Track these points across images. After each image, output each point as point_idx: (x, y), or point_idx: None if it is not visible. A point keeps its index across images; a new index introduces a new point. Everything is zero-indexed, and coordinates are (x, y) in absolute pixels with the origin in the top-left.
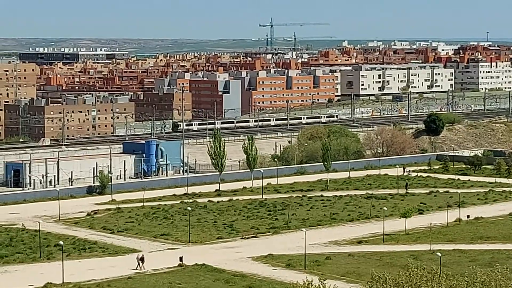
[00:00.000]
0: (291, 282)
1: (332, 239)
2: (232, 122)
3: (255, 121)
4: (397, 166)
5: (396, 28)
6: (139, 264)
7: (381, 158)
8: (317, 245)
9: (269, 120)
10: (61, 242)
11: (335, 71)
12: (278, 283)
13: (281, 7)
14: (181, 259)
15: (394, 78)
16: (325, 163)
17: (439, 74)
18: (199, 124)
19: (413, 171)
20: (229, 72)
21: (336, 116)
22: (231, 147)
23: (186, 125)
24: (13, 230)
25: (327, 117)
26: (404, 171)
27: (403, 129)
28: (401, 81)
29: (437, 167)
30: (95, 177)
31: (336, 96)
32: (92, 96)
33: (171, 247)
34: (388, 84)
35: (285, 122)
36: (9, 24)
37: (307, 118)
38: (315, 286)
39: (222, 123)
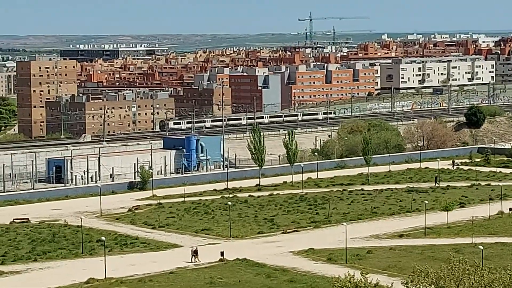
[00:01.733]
0: (332, 276)
1: (373, 233)
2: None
3: (248, 118)
4: (438, 159)
5: (436, 21)
6: (193, 256)
7: (421, 151)
8: (358, 239)
9: (262, 117)
10: (103, 238)
11: (375, 65)
12: (319, 278)
13: (320, 1)
14: (222, 253)
15: (434, 71)
16: (366, 157)
17: (479, 66)
18: (187, 123)
19: (449, 164)
20: (268, 66)
21: (334, 113)
22: (271, 142)
23: (174, 123)
24: (56, 226)
25: (323, 113)
26: (453, 165)
27: (443, 122)
28: (442, 74)
29: (478, 160)
30: (136, 173)
31: (376, 89)
32: (132, 92)
33: (212, 242)
34: (428, 77)
35: (280, 119)
36: (50, 21)
37: (303, 115)
38: (357, 280)
39: (212, 121)
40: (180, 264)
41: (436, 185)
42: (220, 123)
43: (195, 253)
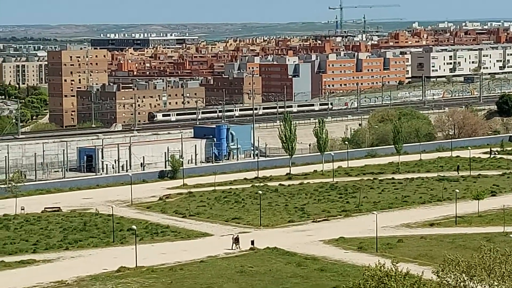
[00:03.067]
0: (363, 265)
1: (404, 221)
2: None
3: (219, 111)
4: (469, 148)
5: (467, 9)
6: (234, 244)
7: (452, 140)
8: (388, 228)
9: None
10: (134, 227)
11: (406, 53)
12: (349, 266)
13: None
14: (252, 242)
15: (465, 59)
16: (396, 145)
17: (511, 54)
18: (177, 115)
19: (485, 152)
20: (298, 55)
21: (331, 104)
22: (301, 131)
23: (163, 115)
24: (87, 215)
25: (320, 105)
26: (490, 153)
27: (475, 111)
28: (473, 62)
29: (510, 148)
30: (167, 162)
31: (406, 78)
32: (163, 81)
33: (242, 231)
34: (459, 65)
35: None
36: (80, 10)
37: (298, 106)
38: (387, 269)
39: (203, 112)
40: (211, 253)
41: (457, 174)
42: (213, 114)
43: (236, 240)
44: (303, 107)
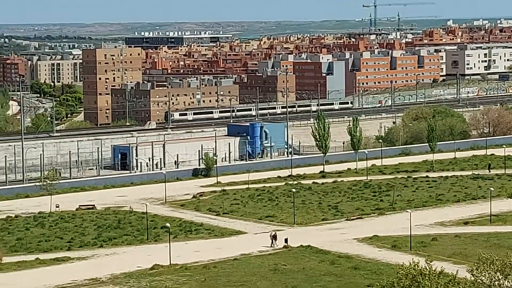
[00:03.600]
0: (397, 263)
1: (438, 220)
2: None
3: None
4: (504, 146)
5: (502, 6)
6: (272, 241)
7: (487, 138)
8: (422, 226)
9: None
10: (167, 224)
11: (440, 51)
12: (383, 265)
13: None
14: (286, 240)
15: (500, 56)
16: (430, 143)
17: None
18: (194, 114)
19: None
20: (332, 53)
21: (351, 103)
22: (335, 129)
23: (180, 114)
24: (121, 213)
25: (340, 104)
26: None
27: (510, 109)
28: (508, 59)
29: None
30: (201, 160)
31: (441, 76)
32: (197, 79)
33: (276, 229)
34: (494, 63)
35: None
36: (115, 9)
37: (317, 105)
38: (421, 267)
39: (194, 114)
40: (245, 251)
41: (489, 172)
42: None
43: (274, 237)
44: (322, 106)
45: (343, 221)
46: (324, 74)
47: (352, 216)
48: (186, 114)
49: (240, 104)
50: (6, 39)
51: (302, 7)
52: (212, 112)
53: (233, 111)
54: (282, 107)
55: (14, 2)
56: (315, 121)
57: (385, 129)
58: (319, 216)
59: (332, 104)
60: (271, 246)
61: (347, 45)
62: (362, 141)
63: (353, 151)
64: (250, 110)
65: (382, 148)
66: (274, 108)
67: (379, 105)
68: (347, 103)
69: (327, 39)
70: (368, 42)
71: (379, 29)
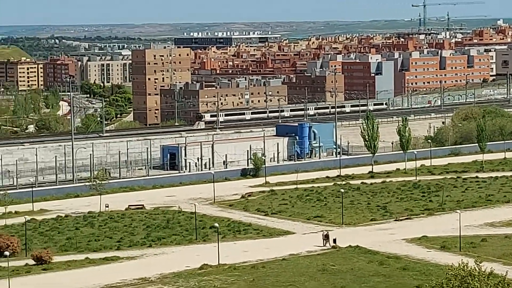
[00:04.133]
0: (446, 264)
1: (488, 221)
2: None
3: (252, 113)
4: None
5: None
6: (324, 240)
7: None
8: (472, 227)
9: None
10: (216, 224)
11: (490, 51)
12: (432, 265)
13: None
14: (334, 240)
15: None
16: (480, 144)
17: None
18: (225, 115)
19: None
20: (381, 53)
21: (386, 104)
22: (384, 129)
23: (211, 116)
24: (170, 213)
25: (374, 105)
26: None
27: None
28: None
29: None
30: (249, 160)
31: (491, 76)
32: (245, 80)
33: (324, 229)
34: None
35: (264, 115)
36: (164, 9)
37: (351, 106)
38: (471, 268)
39: (226, 115)
40: (293, 251)
41: None
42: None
43: (326, 237)
44: (356, 107)
45: (392, 221)
46: (373, 74)
47: (401, 216)
48: (215, 116)
49: (290, 105)
50: (57, 40)
51: (351, 7)
52: (244, 114)
53: (272, 112)
54: (314, 108)
55: (65, 3)
56: (364, 121)
57: (434, 129)
58: (367, 217)
59: (366, 105)
60: (324, 246)
61: (396, 45)
62: (411, 141)
63: (402, 151)
64: (301, 110)
65: (431, 149)
66: (327, 108)
67: (428, 105)
68: (381, 104)
69: (376, 39)
70: (417, 42)
71: (428, 29)
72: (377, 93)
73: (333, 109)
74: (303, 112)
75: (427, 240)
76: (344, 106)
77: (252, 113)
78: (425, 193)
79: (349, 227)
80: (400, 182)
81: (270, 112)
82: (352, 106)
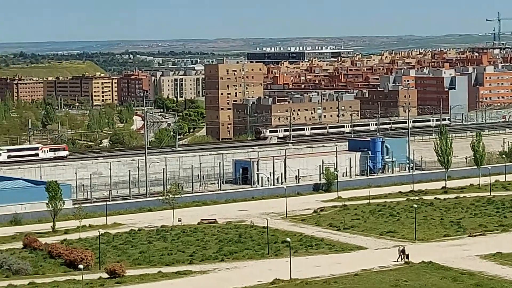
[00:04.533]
0: None
1: None
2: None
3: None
4: None
5: None
6: (400, 256)
7: None
8: None
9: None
10: (288, 239)
11: None
12: (507, 282)
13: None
14: (407, 256)
15: None
16: None
17: None
18: (284, 131)
19: None
20: (455, 68)
21: (449, 120)
22: (458, 144)
23: (270, 131)
24: (242, 227)
25: (436, 120)
26: None
27: None
28: None
29: None
30: (321, 175)
31: None
32: (318, 94)
33: (397, 245)
34: None
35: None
36: (237, 24)
37: (413, 122)
38: None
39: (312, 129)
40: (365, 266)
41: None
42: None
43: (402, 252)
44: (418, 123)
45: (466, 237)
46: (446, 89)
47: (474, 232)
48: (276, 131)
49: (382, 118)
50: (131, 55)
51: (424, 22)
52: (303, 129)
53: (368, 125)
54: (394, 123)
55: (139, 19)
56: (437, 136)
57: (508, 145)
58: (441, 232)
59: (429, 121)
60: (400, 260)
61: (470, 60)
62: (485, 156)
63: (476, 167)
64: (363, 125)
65: (506, 164)
66: (388, 123)
67: (502, 120)
68: (444, 119)
69: (449, 53)
70: (492, 56)
71: (503, 43)
72: (451, 108)
73: (393, 125)
74: (364, 128)
75: (502, 256)
76: (405, 122)
77: (311, 129)
78: (500, 208)
79: (422, 242)
80: (474, 197)
81: (330, 127)
82: (414, 121)
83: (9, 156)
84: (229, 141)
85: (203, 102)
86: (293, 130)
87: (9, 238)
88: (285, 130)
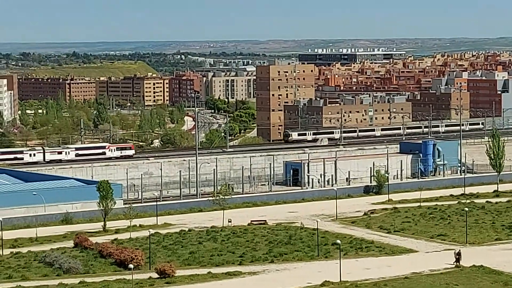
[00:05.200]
0: None
1: None
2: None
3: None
4: None
5: None
6: (457, 259)
7: None
8: None
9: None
10: (338, 241)
11: None
12: None
13: None
14: (458, 260)
15: None
16: None
17: None
18: (313, 134)
19: None
20: (508, 70)
21: (482, 124)
22: (510, 147)
23: (298, 134)
24: (292, 229)
25: (469, 124)
26: None
27: None
28: None
29: None
30: (372, 177)
31: None
32: (369, 96)
33: (448, 248)
34: None
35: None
36: (289, 26)
37: (446, 126)
38: None
39: (314, 133)
40: (416, 269)
41: None
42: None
43: (458, 255)
44: (451, 127)
45: None
46: (499, 92)
47: None
48: (305, 134)
49: (433, 121)
50: (183, 56)
51: (478, 24)
52: (333, 133)
53: (420, 127)
54: (446, 125)
55: (191, 20)
56: (489, 139)
57: None
58: (492, 236)
59: (463, 125)
60: (457, 263)
61: None
62: None
63: None
64: (394, 129)
65: None
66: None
67: None
68: (478, 124)
69: (503, 56)
70: None
71: None
72: (503, 111)
73: (426, 129)
74: (394, 131)
75: None
76: (438, 126)
77: (407, 128)
78: None
79: (473, 246)
80: None
81: (360, 131)
82: (446, 126)
83: (77, 155)
84: (280, 142)
85: (254, 103)
86: (323, 133)
87: (60, 237)
88: (313, 133)
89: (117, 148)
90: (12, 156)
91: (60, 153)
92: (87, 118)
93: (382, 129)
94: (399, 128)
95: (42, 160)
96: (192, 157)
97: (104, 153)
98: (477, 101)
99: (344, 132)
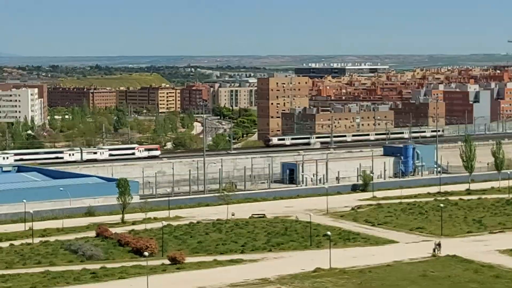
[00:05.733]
0: None
1: None
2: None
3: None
4: None
5: None
6: (436, 248)
7: None
8: None
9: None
10: (328, 233)
11: None
12: None
13: None
14: (434, 250)
15: None
16: None
17: None
18: (291, 139)
19: None
20: (479, 83)
21: (443, 130)
22: (481, 151)
23: (278, 139)
24: (288, 221)
25: (431, 131)
26: None
27: None
28: None
29: None
30: (359, 176)
31: None
32: (357, 105)
33: (425, 239)
34: None
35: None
36: (286, 43)
37: (412, 133)
38: None
39: (292, 139)
40: (397, 258)
41: None
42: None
43: (438, 245)
44: (415, 133)
45: (486, 234)
46: (471, 102)
47: (494, 229)
48: (284, 139)
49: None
50: (193, 69)
51: (453, 42)
52: (309, 138)
53: (402, 133)
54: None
55: (200, 37)
56: (462, 144)
57: None
58: (464, 229)
59: (424, 132)
60: (435, 253)
61: (492, 76)
62: (505, 162)
63: (496, 171)
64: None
65: None
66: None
67: None
68: (439, 131)
69: (474, 70)
70: None
71: None
72: (475, 119)
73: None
74: (384, 136)
75: None
76: (402, 133)
77: (316, 137)
78: None
79: (448, 238)
80: (494, 199)
81: (334, 137)
82: (412, 132)
83: (110, 155)
84: (278, 145)
85: (255, 111)
86: (298, 138)
87: (83, 228)
88: (292, 138)
89: (145, 149)
90: (53, 155)
91: (95, 153)
92: (108, 123)
93: (376, 134)
94: (387, 133)
95: (79, 159)
96: (200, 158)
97: (133, 154)
98: (452, 110)
99: (353, 135)
